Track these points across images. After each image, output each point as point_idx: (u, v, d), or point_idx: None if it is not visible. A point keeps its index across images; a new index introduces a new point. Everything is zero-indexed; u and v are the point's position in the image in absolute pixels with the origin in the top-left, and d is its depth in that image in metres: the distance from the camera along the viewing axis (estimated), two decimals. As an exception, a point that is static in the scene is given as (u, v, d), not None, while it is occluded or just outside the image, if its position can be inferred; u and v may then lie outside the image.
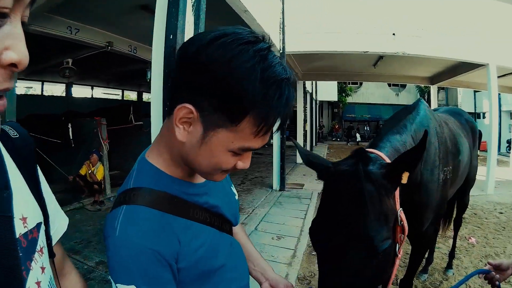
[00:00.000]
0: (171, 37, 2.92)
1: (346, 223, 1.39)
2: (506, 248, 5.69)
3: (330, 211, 1.49)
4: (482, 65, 10.10)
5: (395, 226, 1.49)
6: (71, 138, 8.74)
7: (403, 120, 2.35)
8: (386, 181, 1.49)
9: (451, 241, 4.99)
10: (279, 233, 6.29)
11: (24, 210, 0.72)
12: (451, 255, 4.75)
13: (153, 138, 2.96)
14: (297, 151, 1.80)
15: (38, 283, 0.71)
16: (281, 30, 8.98)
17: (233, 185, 1.38)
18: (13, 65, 0.54)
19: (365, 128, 31.67)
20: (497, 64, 9.94)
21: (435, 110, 3.45)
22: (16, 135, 0.83)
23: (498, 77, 10.14)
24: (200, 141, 0.90)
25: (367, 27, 9.11)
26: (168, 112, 0.97)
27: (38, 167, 0.89)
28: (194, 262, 1.00)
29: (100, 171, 8.44)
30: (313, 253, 5.45)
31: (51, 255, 0.86)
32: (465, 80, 14.79)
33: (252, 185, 10.90)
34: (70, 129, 8.71)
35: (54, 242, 0.92)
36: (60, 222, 0.99)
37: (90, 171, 8.33)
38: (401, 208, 1.53)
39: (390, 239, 1.41)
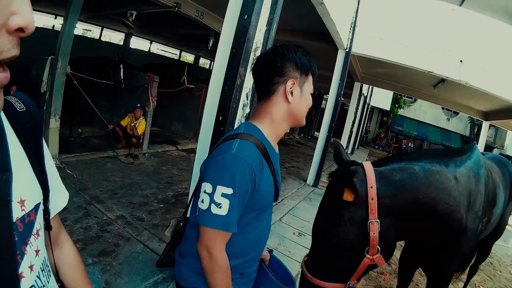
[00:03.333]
0: (245, 17, 2.91)
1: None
2: (511, 307, 5.55)
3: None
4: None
5: (366, 232, 1.85)
6: (121, 78, 8.70)
7: (444, 158, 2.23)
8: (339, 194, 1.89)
9: (461, 284, 4.97)
10: (301, 230, 6.26)
11: (23, 191, 0.73)
12: (460, 301, 4.64)
13: (206, 111, 3.06)
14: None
15: (31, 266, 0.73)
16: (352, 29, 8.87)
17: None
18: (20, 30, 0.54)
19: (409, 144, 30.75)
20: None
21: (483, 154, 3.31)
22: (23, 108, 0.84)
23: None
24: (300, 95, 1.61)
25: (436, 48, 8.85)
26: (265, 97, 1.62)
27: (44, 142, 0.90)
28: (259, 194, 1.50)
29: (141, 126, 8.54)
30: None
31: (48, 228, 0.91)
32: (520, 126, 14.27)
33: (287, 174, 10.85)
34: (122, 70, 8.69)
35: (51, 216, 0.96)
36: (59, 198, 1.02)
37: (132, 123, 8.44)
38: (376, 220, 1.84)
39: (349, 237, 1.88)
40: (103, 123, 8.79)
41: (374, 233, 1.82)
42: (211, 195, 1.38)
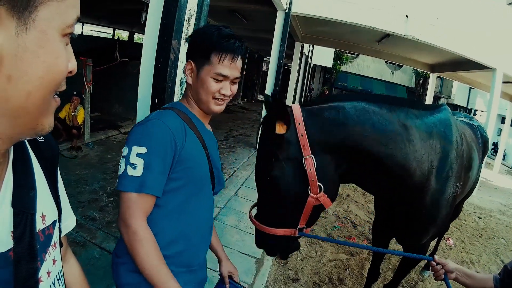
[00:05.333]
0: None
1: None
2: (481, 257, 5.68)
3: None
4: (490, 68, 9.95)
5: (303, 169, 1.86)
6: None
7: (392, 104, 2.12)
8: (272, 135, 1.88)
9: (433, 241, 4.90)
10: (260, 202, 6.07)
11: (44, 208, 0.83)
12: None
13: (141, 93, 2.74)
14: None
15: (48, 273, 0.82)
16: (292, -12, 8.56)
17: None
18: (69, 72, 0.67)
19: None
20: (505, 71, 9.89)
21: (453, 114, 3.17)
22: (42, 139, 0.94)
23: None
24: (196, 79, 1.56)
25: (381, 4, 8.80)
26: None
27: (58, 169, 1.00)
28: (189, 160, 1.48)
29: (81, 114, 8.11)
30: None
31: (60, 245, 0.96)
32: (467, 77, 14.74)
33: (236, 143, 10.76)
34: None
35: (62, 235, 1.04)
36: (68, 221, 1.11)
37: (73, 113, 7.97)
38: (311, 156, 1.84)
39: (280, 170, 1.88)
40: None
41: (310, 169, 1.85)
42: (126, 157, 1.36)
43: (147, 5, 9.65)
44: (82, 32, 19.72)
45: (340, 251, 4.91)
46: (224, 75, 1.52)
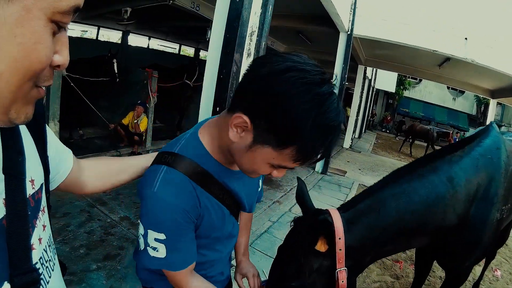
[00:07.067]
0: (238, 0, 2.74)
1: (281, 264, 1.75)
2: (528, 291, 5.38)
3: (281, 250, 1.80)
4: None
5: (333, 281, 1.70)
6: (116, 72, 8.49)
7: (434, 162, 2.13)
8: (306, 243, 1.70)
9: (478, 269, 4.79)
10: (311, 219, 6.10)
11: (33, 172, 0.81)
12: (476, 286, 4.55)
13: (203, 102, 2.88)
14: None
15: (40, 239, 0.81)
16: (352, 11, 8.74)
17: (262, 179, 1.61)
18: (57, 66, 0.63)
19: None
20: None
21: (502, 133, 3.11)
22: None
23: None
24: (247, 148, 1.05)
25: (440, 26, 8.73)
26: (230, 107, 1.10)
27: (47, 126, 0.97)
28: (206, 226, 1.25)
29: (143, 123, 8.41)
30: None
31: (49, 208, 0.95)
32: (527, 102, 14.07)
33: (295, 163, 10.70)
34: (115, 64, 8.48)
35: (62, 180, 1.10)
36: (65, 164, 1.11)
37: (135, 121, 8.33)
38: (344, 268, 1.69)
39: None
40: (104, 123, 8.62)
41: (343, 281, 1.70)
42: (144, 237, 1.18)
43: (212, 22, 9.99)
44: (148, 46, 20.27)
45: (386, 274, 4.88)
46: (289, 168, 1.09)
